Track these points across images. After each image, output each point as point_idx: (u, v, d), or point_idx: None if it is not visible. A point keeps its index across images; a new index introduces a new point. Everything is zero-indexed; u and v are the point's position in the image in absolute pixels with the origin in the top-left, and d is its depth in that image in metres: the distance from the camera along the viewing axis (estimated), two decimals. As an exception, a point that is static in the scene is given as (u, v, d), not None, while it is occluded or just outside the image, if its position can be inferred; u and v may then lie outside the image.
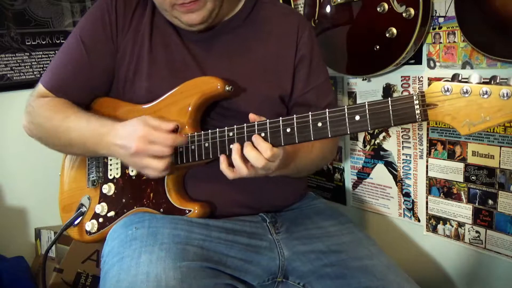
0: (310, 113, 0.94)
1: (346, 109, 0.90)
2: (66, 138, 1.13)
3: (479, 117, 0.79)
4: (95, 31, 1.18)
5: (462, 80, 0.81)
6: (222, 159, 1.03)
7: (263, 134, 0.98)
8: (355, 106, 0.89)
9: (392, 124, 0.86)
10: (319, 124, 0.93)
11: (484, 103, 0.78)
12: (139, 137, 1.01)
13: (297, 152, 1.11)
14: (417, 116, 0.83)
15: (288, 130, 0.96)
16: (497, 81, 0.78)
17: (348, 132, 0.91)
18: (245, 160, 0.99)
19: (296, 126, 0.95)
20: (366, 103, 0.88)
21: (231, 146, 1.01)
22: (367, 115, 0.88)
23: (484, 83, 0.79)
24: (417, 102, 0.83)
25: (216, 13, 1.13)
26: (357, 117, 0.89)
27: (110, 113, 1.23)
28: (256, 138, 0.98)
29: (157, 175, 1.06)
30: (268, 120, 0.98)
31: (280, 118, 0.97)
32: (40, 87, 1.22)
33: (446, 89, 0.81)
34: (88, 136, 1.10)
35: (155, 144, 1.02)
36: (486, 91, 0.77)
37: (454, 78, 0.82)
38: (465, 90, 0.79)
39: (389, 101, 0.86)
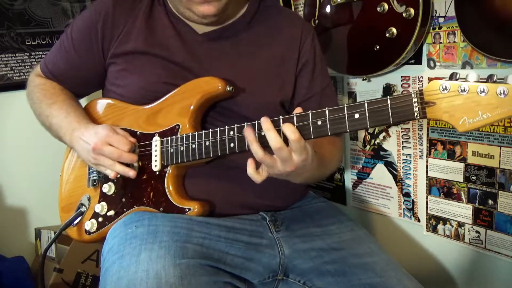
0: (310, 112, 0.94)
1: (345, 108, 0.90)
2: (47, 122, 1.28)
3: (477, 114, 0.79)
4: (84, 32, 1.24)
5: (460, 79, 0.82)
6: (249, 162, 0.99)
7: (263, 133, 0.97)
8: (355, 105, 0.90)
9: (392, 122, 0.87)
10: (319, 123, 0.93)
11: (482, 100, 0.78)
12: (100, 137, 1.12)
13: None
14: (415, 114, 0.84)
15: None
16: (494, 79, 0.78)
17: (348, 130, 0.91)
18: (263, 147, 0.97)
19: (296, 125, 0.94)
20: (366, 101, 0.88)
21: (245, 133, 0.98)
22: (366, 113, 0.88)
23: (481, 82, 0.80)
24: (415, 100, 0.84)
25: (228, 8, 1.15)
26: (357, 115, 0.89)
27: (108, 115, 1.25)
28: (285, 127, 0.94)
29: (109, 174, 1.15)
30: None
31: (280, 117, 0.96)
32: (38, 67, 1.36)
33: (444, 87, 0.82)
34: (63, 126, 1.23)
35: (111, 146, 1.12)
36: (484, 89, 0.78)
37: (452, 77, 0.82)
38: (462, 88, 0.80)
39: (388, 100, 0.86)
